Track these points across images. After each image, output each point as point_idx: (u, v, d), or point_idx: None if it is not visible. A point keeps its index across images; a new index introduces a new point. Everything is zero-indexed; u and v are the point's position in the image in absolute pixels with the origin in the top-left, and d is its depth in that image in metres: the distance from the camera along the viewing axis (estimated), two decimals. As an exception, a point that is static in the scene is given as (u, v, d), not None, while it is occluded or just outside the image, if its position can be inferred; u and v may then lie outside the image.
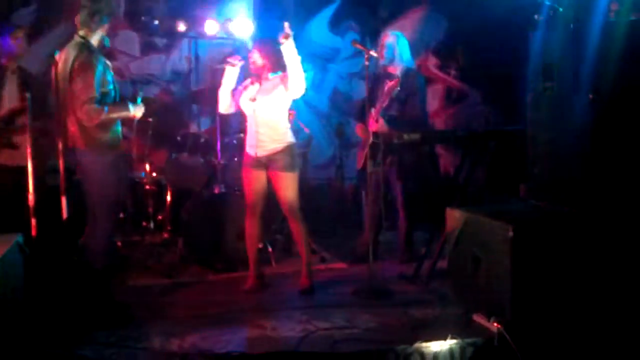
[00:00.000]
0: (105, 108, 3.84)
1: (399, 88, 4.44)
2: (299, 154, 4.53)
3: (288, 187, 4.38)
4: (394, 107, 4.81)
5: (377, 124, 4.80)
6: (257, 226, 4.52)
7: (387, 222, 5.14)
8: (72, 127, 3.89)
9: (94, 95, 3.79)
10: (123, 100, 4.04)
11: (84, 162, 3.95)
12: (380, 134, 4.64)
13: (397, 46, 4.97)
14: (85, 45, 3.88)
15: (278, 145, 4.36)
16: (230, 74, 4.44)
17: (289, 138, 4.42)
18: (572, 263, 3.48)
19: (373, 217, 5.01)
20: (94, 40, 3.94)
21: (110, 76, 3.93)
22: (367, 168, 4.97)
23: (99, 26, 3.94)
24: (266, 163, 4.39)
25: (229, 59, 4.44)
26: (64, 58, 3.89)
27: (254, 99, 4.37)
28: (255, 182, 4.45)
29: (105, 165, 3.93)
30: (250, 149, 4.44)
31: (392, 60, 4.95)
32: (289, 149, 4.38)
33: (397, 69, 4.92)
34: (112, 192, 3.97)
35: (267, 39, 4.51)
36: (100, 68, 3.83)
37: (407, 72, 4.88)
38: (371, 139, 4.58)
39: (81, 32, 3.92)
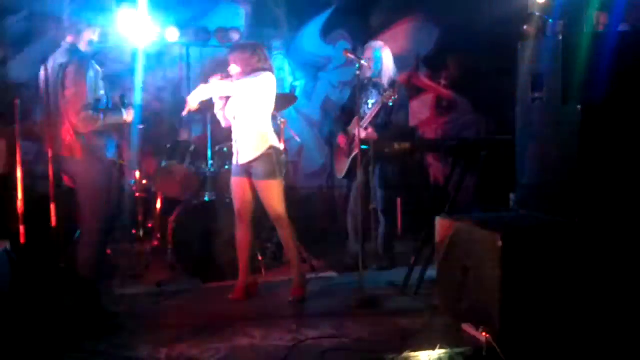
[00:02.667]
0: (101, 114, 3.82)
1: (395, 97, 4.61)
2: (282, 161, 4.42)
3: (271, 196, 4.33)
4: (380, 116, 4.93)
5: (365, 132, 4.83)
6: (248, 234, 4.49)
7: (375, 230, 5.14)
8: (67, 136, 3.81)
9: (88, 101, 3.76)
10: (114, 106, 4.02)
11: (80, 170, 3.88)
12: (371, 142, 4.70)
13: (384, 57, 5.08)
14: (74, 52, 3.84)
15: (256, 152, 4.30)
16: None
17: (268, 144, 4.30)
18: (561, 272, 3.49)
19: (360, 225, 5.01)
20: (82, 45, 3.89)
21: (101, 82, 3.90)
22: (351, 176, 5.02)
23: (85, 29, 3.87)
24: (248, 170, 4.37)
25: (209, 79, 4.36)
26: (52, 65, 3.85)
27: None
28: (240, 189, 4.43)
29: (101, 171, 3.89)
30: (234, 157, 4.44)
31: (380, 72, 5.05)
32: (267, 156, 4.28)
33: (385, 80, 5.04)
34: (104, 199, 3.91)
35: (237, 45, 4.52)
36: (91, 74, 3.79)
37: (393, 83, 5.00)
38: (359, 147, 4.59)
39: (69, 39, 3.88)
